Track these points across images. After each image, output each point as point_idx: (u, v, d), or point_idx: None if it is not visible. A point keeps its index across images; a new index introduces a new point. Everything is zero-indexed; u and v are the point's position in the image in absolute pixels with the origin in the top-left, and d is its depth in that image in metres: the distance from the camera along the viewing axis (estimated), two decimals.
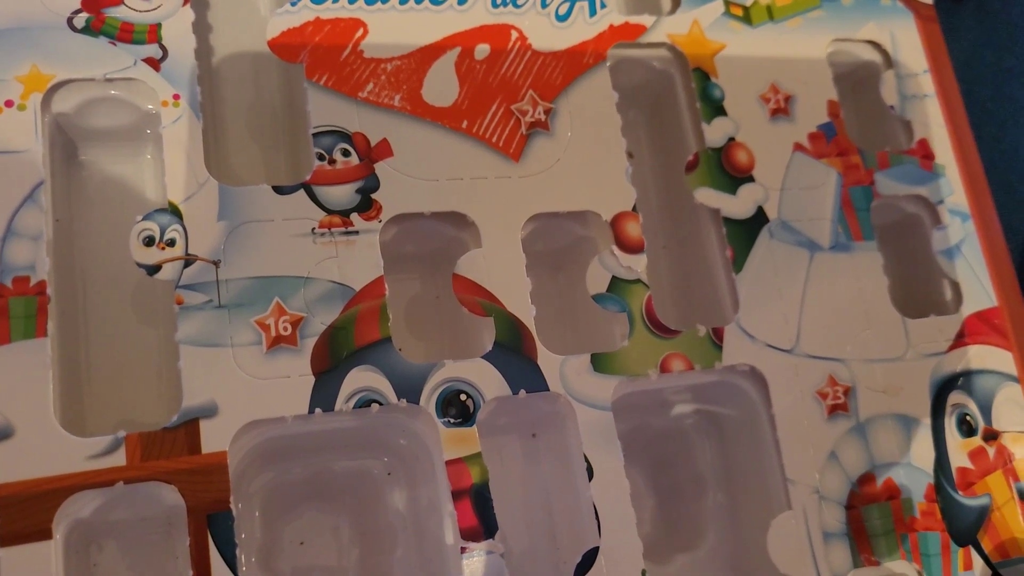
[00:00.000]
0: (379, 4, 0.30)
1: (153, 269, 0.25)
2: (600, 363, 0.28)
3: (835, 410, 0.30)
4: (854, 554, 0.29)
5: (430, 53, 0.30)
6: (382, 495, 0.29)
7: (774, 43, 0.34)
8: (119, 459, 0.24)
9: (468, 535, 0.25)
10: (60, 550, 0.23)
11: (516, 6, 0.31)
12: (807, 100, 0.33)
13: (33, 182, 0.25)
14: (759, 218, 0.32)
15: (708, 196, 0.31)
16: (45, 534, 0.22)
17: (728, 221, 0.31)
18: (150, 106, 0.27)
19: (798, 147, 0.33)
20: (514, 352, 0.28)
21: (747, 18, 0.34)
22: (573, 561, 0.26)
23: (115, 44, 0.27)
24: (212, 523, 0.24)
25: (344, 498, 0.28)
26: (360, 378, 0.26)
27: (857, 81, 0.36)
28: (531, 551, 0.29)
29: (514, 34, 0.31)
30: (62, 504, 0.23)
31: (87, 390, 0.26)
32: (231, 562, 0.24)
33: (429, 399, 0.26)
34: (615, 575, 0.26)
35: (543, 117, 0.30)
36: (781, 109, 0.33)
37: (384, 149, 0.28)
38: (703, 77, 0.33)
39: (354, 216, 0.27)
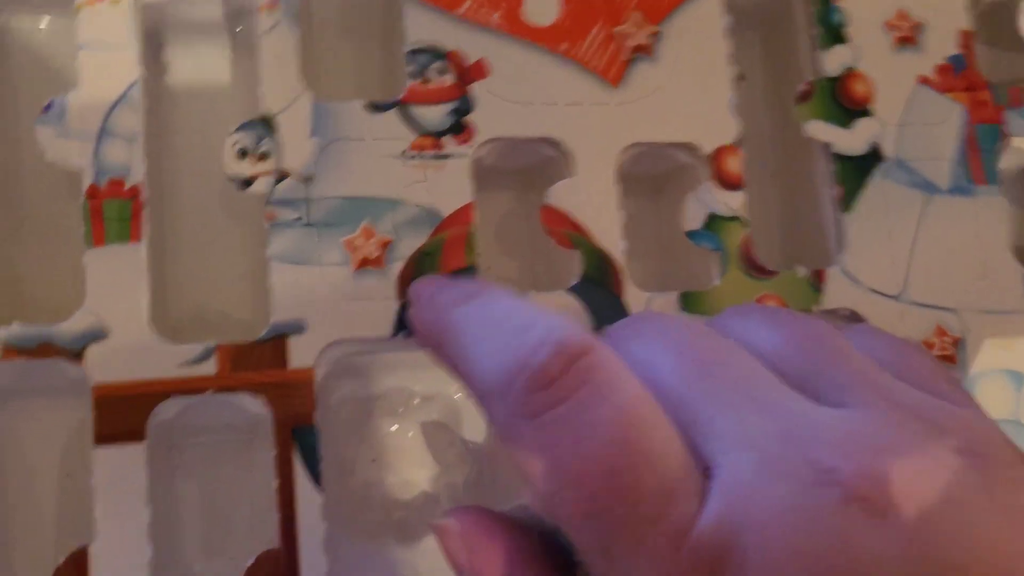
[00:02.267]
0: None
1: (245, 182, 0.25)
2: (689, 302, 0.28)
3: (943, 362, 0.29)
4: None
5: None
6: (456, 419, 0.29)
7: None
8: (209, 368, 0.24)
9: None
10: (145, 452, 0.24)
11: None
12: (937, 29, 0.31)
13: (128, 81, 0.25)
14: (873, 155, 0.30)
15: (819, 129, 0.30)
16: (138, 435, 0.23)
17: (839, 157, 0.29)
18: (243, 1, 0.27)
19: (923, 80, 0.30)
20: (600, 286, 0.27)
21: None
22: None
23: None
24: (297, 436, 0.24)
25: (419, 417, 0.29)
26: None
27: (993, 9, 0.33)
28: None
29: None
30: (155, 408, 0.24)
31: (177, 298, 0.27)
32: (315, 474, 0.24)
33: None
34: None
35: (647, 41, 0.29)
36: (907, 38, 0.31)
37: (479, 69, 0.27)
38: (824, 0, 0.30)
39: (446, 139, 0.27)
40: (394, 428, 0.29)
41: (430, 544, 0.28)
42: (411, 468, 0.29)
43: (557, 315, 0.18)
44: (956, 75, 0.31)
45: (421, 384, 0.29)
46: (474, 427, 0.29)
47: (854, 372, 0.17)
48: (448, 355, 0.19)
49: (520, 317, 0.18)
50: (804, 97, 0.30)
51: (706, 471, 0.16)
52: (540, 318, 0.18)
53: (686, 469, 0.16)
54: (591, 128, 0.28)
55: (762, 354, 0.18)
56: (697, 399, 0.17)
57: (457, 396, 0.29)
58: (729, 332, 0.19)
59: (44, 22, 0.27)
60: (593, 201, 0.27)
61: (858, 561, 0.14)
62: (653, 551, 0.15)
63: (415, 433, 0.29)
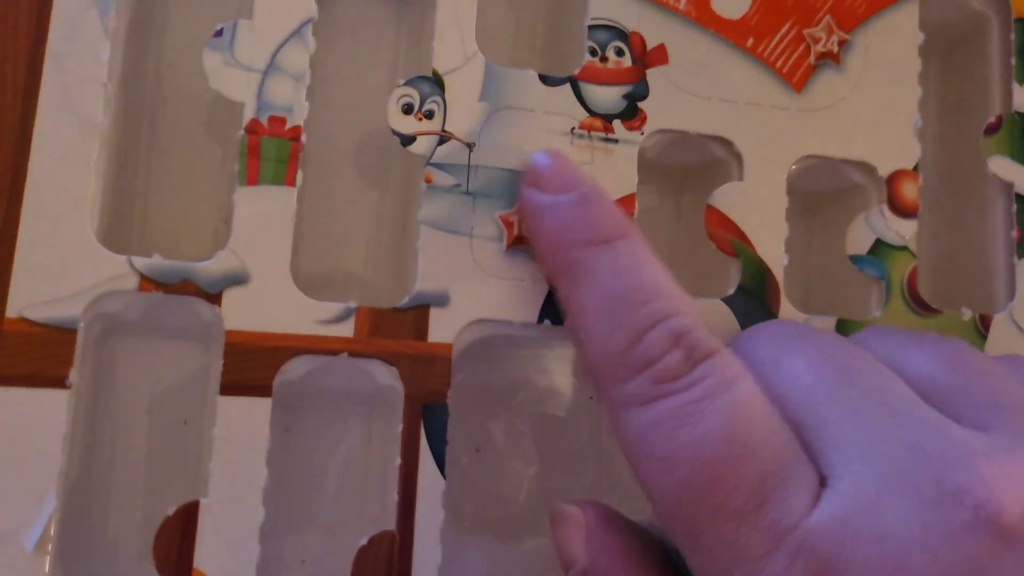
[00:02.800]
0: None
1: (408, 139, 0.24)
2: (846, 330, 0.26)
3: None
4: None
5: None
6: (577, 419, 0.27)
7: None
8: (347, 330, 0.23)
9: None
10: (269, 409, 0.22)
11: None
12: None
13: (303, 17, 0.24)
14: None
15: (1004, 167, 0.28)
16: (264, 390, 0.22)
17: (1021, 199, 0.27)
18: None
19: None
20: (756, 299, 0.25)
21: None
22: None
23: None
24: (426, 414, 0.23)
25: (531, 414, 0.27)
26: None
27: None
28: None
29: None
30: (285, 363, 0.22)
31: (321, 252, 0.26)
32: (439, 457, 0.23)
33: None
34: None
35: (836, 48, 0.27)
36: None
37: (660, 55, 0.26)
38: None
39: (616, 123, 0.25)
40: (506, 419, 0.27)
41: (534, 544, 0.27)
42: (520, 463, 0.27)
43: (683, 296, 0.18)
44: None
45: (545, 377, 0.27)
46: (595, 427, 0.27)
47: (1001, 394, 0.17)
48: (564, 295, 0.19)
49: (650, 285, 0.18)
50: (992, 130, 0.28)
51: (823, 479, 0.15)
52: (668, 294, 0.18)
53: (795, 469, 0.15)
54: (767, 132, 0.26)
55: (903, 370, 0.17)
56: (826, 403, 0.16)
57: (575, 393, 0.27)
58: (868, 347, 0.19)
59: None
60: (760, 209, 0.26)
61: None
62: (744, 547, 0.15)
63: (529, 427, 0.27)
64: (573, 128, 0.25)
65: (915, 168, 0.27)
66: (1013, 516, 0.14)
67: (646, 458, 0.16)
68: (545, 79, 0.25)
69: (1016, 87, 0.28)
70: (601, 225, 0.19)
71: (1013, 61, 0.28)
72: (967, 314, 0.27)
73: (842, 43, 0.27)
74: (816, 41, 0.27)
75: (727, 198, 0.26)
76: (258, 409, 0.22)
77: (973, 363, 0.18)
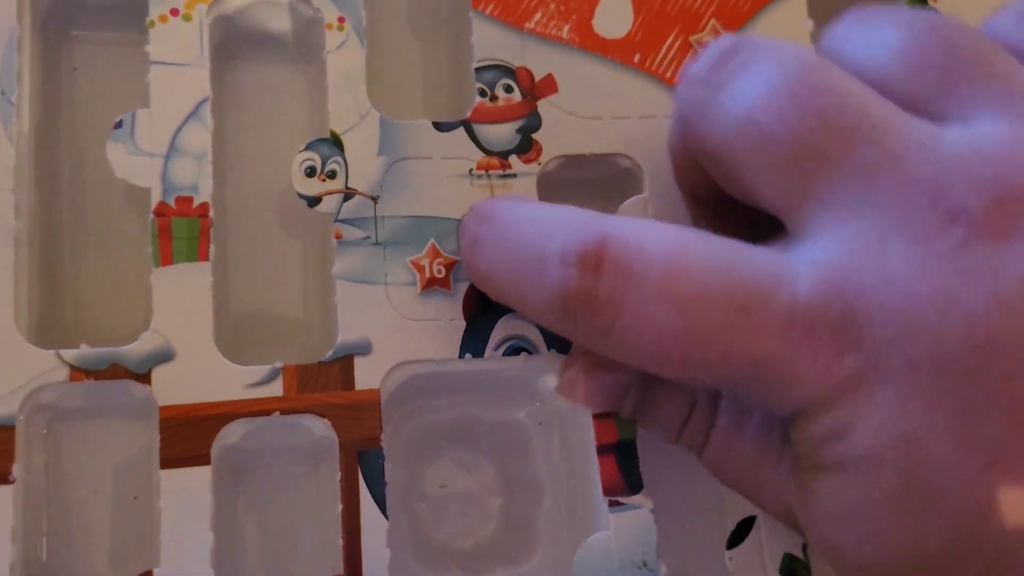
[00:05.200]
0: None
1: (313, 200, 0.25)
2: None
3: None
4: None
5: None
6: (529, 444, 0.28)
7: None
8: (276, 389, 0.24)
9: (609, 490, 0.24)
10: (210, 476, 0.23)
11: None
12: None
13: (198, 98, 0.25)
14: None
15: None
16: (203, 459, 0.23)
17: None
18: (315, 13, 0.26)
19: None
20: None
21: None
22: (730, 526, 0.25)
23: None
24: (363, 459, 0.24)
25: (490, 444, 0.28)
26: (510, 326, 0.25)
27: None
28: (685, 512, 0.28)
29: None
30: (221, 430, 0.23)
31: (243, 318, 0.27)
32: (380, 500, 0.24)
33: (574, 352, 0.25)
34: (773, 544, 0.25)
35: None
36: None
37: (548, 84, 0.27)
38: (920, 5, 0.29)
39: (512, 158, 0.26)
40: (463, 454, 0.28)
41: (503, 574, 0.28)
42: (479, 496, 0.28)
43: (564, 211, 0.18)
44: None
45: (489, 410, 0.28)
46: (544, 453, 0.28)
47: (990, 77, 0.16)
48: (495, 294, 0.19)
49: (533, 232, 0.18)
50: None
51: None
52: (550, 228, 0.19)
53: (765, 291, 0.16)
54: (665, 142, 0.27)
55: (879, 73, 0.17)
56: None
57: (525, 420, 0.28)
58: (844, 51, 0.18)
59: (113, 38, 0.27)
60: (665, 218, 0.26)
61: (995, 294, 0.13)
62: (759, 334, 0.15)
63: (484, 460, 0.28)
64: (471, 170, 0.26)
65: None
66: (1009, 209, 0.14)
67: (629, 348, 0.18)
68: (439, 126, 0.26)
69: None
70: (475, 212, 0.20)
71: None
72: None
73: None
74: (704, 46, 0.28)
75: (632, 211, 0.26)
76: (199, 477, 0.23)
77: (957, 42, 0.17)
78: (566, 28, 0.27)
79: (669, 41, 0.28)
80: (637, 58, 0.27)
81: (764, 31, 0.28)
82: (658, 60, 0.27)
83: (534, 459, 0.28)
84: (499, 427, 0.28)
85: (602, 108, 0.27)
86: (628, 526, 0.25)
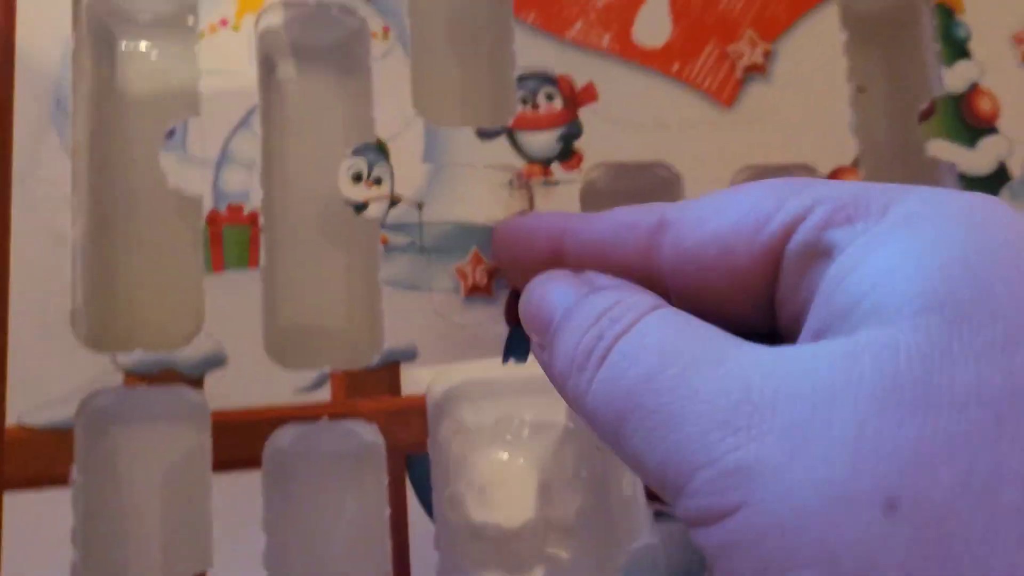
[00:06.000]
0: None
1: (360, 206, 0.25)
2: None
3: None
4: None
5: None
6: (569, 447, 0.28)
7: None
8: (324, 394, 0.24)
9: (654, 498, 0.25)
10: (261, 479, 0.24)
11: None
12: None
13: (248, 106, 0.25)
14: (1000, 175, 0.28)
15: (943, 149, 0.28)
16: (254, 462, 0.24)
17: (964, 178, 0.28)
18: (360, 25, 0.27)
19: None
20: None
21: None
22: None
23: None
24: (410, 464, 0.24)
25: (531, 446, 0.28)
26: None
27: None
28: None
29: None
30: (271, 435, 0.24)
31: (293, 324, 0.27)
32: (427, 503, 0.24)
33: None
34: None
35: (761, 60, 0.28)
36: None
37: (589, 93, 0.27)
38: (947, 14, 0.29)
39: (554, 166, 0.26)
40: (504, 457, 0.29)
41: (541, 573, 0.28)
42: (521, 498, 0.28)
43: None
44: None
45: (532, 411, 0.28)
46: (586, 455, 0.29)
47: None
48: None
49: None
50: (926, 115, 0.29)
51: None
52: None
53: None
54: (704, 150, 0.27)
55: None
56: None
57: (569, 425, 0.28)
58: None
59: (165, 48, 0.27)
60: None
61: None
62: None
63: (525, 462, 0.29)
64: (511, 180, 0.26)
65: (854, 163, 0.28)
66: None
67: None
68: (482, 133, 0.26)
69: (945, 70, 0.29)
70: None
71: (938, 46, 0.29)
72: None
73: (767, 54, 0.28)
74: (740, 56, 0.28)
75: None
76: (250, 480, 0.23)
77: None
78: (606, 37, 0.27)
79: (707, 50, 0.28)
80: (676, 67, 0.28)
81: (799, 41, 0.28)
82: (696, 69, 0.28)
83: (574, 461, 0.28)
84: (540, 429, 0.29)
85: (642, 116, 0.27)
86: (676, 538, 0.25)
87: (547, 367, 0.18)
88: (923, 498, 0.12)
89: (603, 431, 0.16)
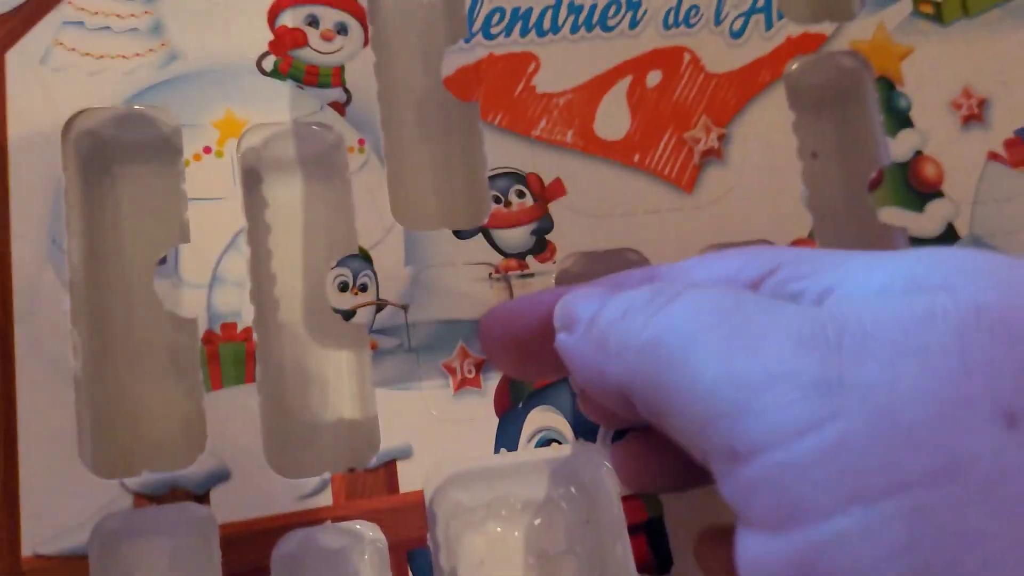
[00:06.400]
0: (551, 35, 0.30)
1: (348, 314, 0.27)
2: None
3: None
4: None
5: (602, 84, 0.30)
6: (557, 519, 0.30)
7: (969, 41, 0.32)
8: (326, 499, 0.25)
9: (642, 568, 0.26)
10: None
11: (689, 25, 0.30)
12: (1004, 102, 0.31)
13: (234, 229, 0.27)
14: (949, 236, 0.30)
15: (893, 215, 0.30)
16: (263, 571, 0.25)
17: (915, 240, 0.30)
18: (336, 139, 0.28)
19: (992, 156, 0.31)
20: None
21: (938, 16, 0.32)
22: None
23: (302, 88, 0.28)
24: (411, 559, 0.25)
25: (524, 522, 0.30)
26: (540, 418, 0.27)
27: None
28: None
29: (687, 56, 0.30)
30: (277, 542, 0.25)
31: (289, 432, 0.28)
32: None
33: (605, 437, 0.27)
34: None
35: (716, 144, 0.30)
36: (974, 115, 0.31)
37: (557, 188, 0.29)
38: (888, 86, 0.31)
39: (529, 258, 0.28)
40: (499, 530, 0.30)
41: None
42: (518, 569, 0.29)
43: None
44: None
45: (525, 491, 0.30)
46: (575, 524, 0.30)
47: None
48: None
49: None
50: (875, 185, 0.30)
51: None
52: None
53: None
54: (669, 234, 0.29)
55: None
56: None
57: (562, 504, 0.30)
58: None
59: (153, 178, 0.29)
60: None
61: None
62: None
63: (520, 535, 0.30)
64: (490, 274, 0.27)
65: (810, 235, 0.29)
66: None
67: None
68: (459, 234, 0.28)
69: (889, 140, 0.31)
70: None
71: (881, 118, 0.31)
72: None
73: (721, 138, 0.30)
74: (697, 142, 0.30)
75: None
76: None
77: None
78: (570, 133, 0.29)
79: (665, 139, 0.30)
80: (637, 158, 0.29)
81: (750, 123, 0.30)
82: (656, 158, 0.29)
83: (567, 535, 0.30)
84: (533, 506, 0.30)
85: (609, 207, 0.29)
86: None
87: (573, 345, 0.18)
88: None
89: (652, 364, 0.15)
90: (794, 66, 0.30)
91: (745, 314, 0.14)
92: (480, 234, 0.28)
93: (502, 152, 0.28)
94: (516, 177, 0.28)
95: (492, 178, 0.28)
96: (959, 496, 0.11)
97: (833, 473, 0.12)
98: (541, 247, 0.28)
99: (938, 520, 0.11)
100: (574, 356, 0.18)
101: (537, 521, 0.30)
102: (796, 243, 0.29)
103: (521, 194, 0.28)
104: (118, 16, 0.28)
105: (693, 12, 0.30)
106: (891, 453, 0.12)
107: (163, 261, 0.26)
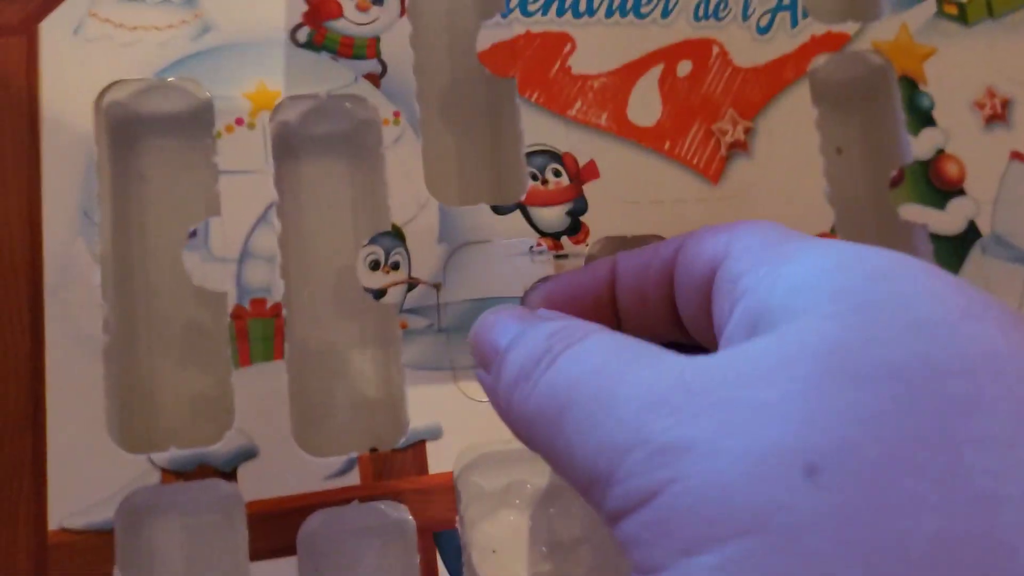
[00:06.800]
0: (587, 18, 0.29)
1: (379, 293, 0.26)
2: None
3: None
4: None
5: (635, 70, 0.30)
6: (574, 508, 0.30)
7: (992, 42, 0.32)
8: (353, 478, 0.25)
9: None
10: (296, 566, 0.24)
11: (718, 19, 0.30)
12: None
13: (266, 203, 0.26)
14: (970, 233, 0.31)
15: (914, 212, 0.30)
16: (290, 550, 0.24)
17: (936, 238, 0.30)
18: (370, 112, 0.27)
19: (1015, 155, 0.31)
20: None
21: (963, 17, 0.32)
22: None
23: (336, 59, 0.27)
24: (439, 540, 0.25)
25: (539, 509, 0.29)
26: None
27: None
28: None
29: (715, 49, 0.30)
30: (304, 521, 0.24)
31: (318, 411, 0.28)
32: None
33: None
34: None
35: (743, 137, 0.30)
36: (997, 115, 0.31)
37: (591, 170, 0.28)
38: (910, 85, 0.31)
39: (564, 239, 0.28)
40: (512, 518, 0.30)
41: None
42: (530, 555, 0.29)
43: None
44: None
45: (535, 474, 0.30)
46: (590, 512, 0.30)
47: None
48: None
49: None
50: (896, 183, 0.31)
51: None
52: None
53: None
54: (695, 224, 0.29)
55: None
56: None
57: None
58: None
59: (185, 150, 0.28)
60: None
61: None
62: None
63: (531, 521, 0.30)
64: (531, 247, 0.27)
65: (832, 230, 0.30)
66: None
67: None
68: (497, 209, 0.27)
69: (912, 139, 0.31)
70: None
71: (903, 116, 0.31)
72: None
73: (747, 131, 0.30)
74: (724, 133, 0.30)
75: None
76: (287, 568, 0.24)
77: None
78: (604, 116, 0.29)
79: (694, 129, 0.30)
80: (667, 145, 0.29)
81: (775, 118, 0.30)
82: (685, 147, 0.29)
83: (583, 522, 0.30)
84: (549, 492, 0.30)
85: (639, 193, 0.29)
86: None
87: (491, 389, 0.19)
88: (845, 464, 0.12)
89: (543, 432, 0.16)
90: (821, 61, 0.31)
91: (617, 375, 0.15)
92: (518, 210, 0.28)
93: (539, 130, 0.28)
94: (552, 156, 0.28)
95: (529, 155, 0.28)
96: (763, 549, 0.12)
97: (668, 533, 0.13)
98: (575, 228, 0.28)
99: (744, 573, 0.12)
100: (491, 400, 0.19)
101: (554, 508, 0.30)
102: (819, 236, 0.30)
103: (557, 173, 0.28)
104: None
105: (722, 6, 0.30)
106: (710, 511, 0.13)
107: (193, 234, 0.25)
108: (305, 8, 0.28)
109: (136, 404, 0.26)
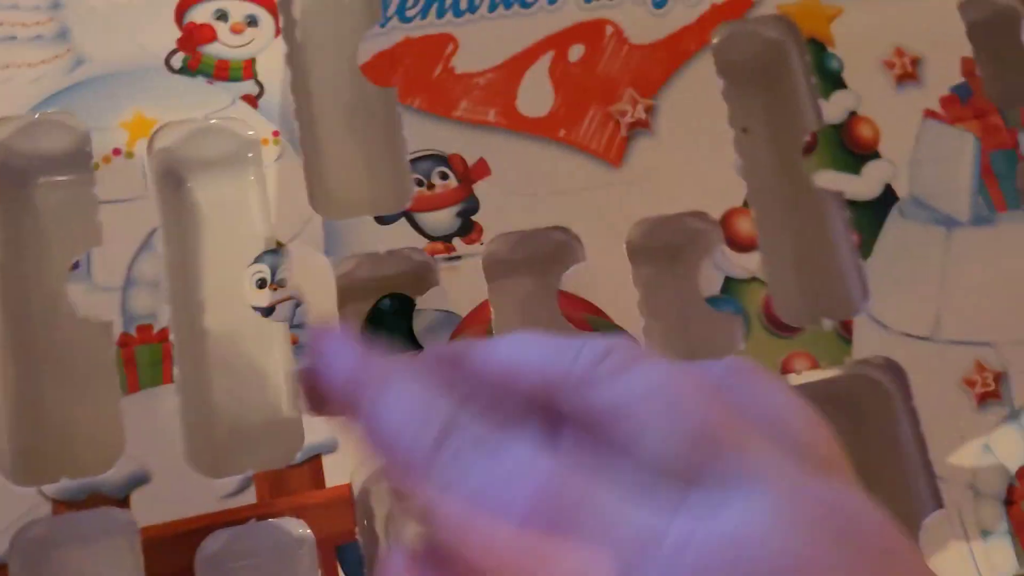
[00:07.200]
0: (468, 15, 0.29)
1: (268, 311, 0.26)
2: None
3: (985, 398, 0.28)
4: (1018, 554, 0.27)
5: (523, 61, 0.29)
6: None
7: (897, 1, 0.31)
8: (250, 497, 0.25)
9: None
10: None
11: None
12: (937, 60, 0.30)
13: (147, 229, 0.26)
14: (887, 197, 0.29)
15: (829, 179, 0.29)
16: (187, 572, 0.24)
17: (853, 204, 0.29)
18: (250, 132, 0.27)
19: (929, 114, 0.30)
20: None
21: None
22: None
23: (212, 83, 0.27)
24: (340, 554, 0.25)
25: None
26: None
27: (993, 30, 0.32)
28: None
29: (609, 29, 0.30)
30: (201, 543, 0.24)
31: (211, 431, 0.28)
32: None
33: None
34: None
35: (644, 116, 0.29)
36: (908, 74, 0.30)
37: (482, 168, 0.28)
38: (819, 48, 0.30)
39: (456, 241, 0.27)
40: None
41: None
42: None
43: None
44: (963, 104, 0.30)
45: None
46: None
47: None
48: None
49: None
50: (809, 149, 0.30)
51: None
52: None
53: None
54: (599, 211, 0.28)
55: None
56: None
57: None
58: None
59: (66, 183, 0.28)
60: (608, 282, 0.28)
61: None
62: None
63: None
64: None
65: (744, 203, 0.29)
66: None
67: None
68: (381, 219, 0.27)
69: (823, 102, 0.30)
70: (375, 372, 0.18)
71: (813, 80, 0.30)
72: (828, 324, 0.28)
73: (648, 109, 0.29)
74: (623, 115, 0.29)
75: (575, 280, 0.28)
76: None
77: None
78: (492, 112, 0.28)
79: (590, 114, 0.29)
80: (562, 133, 0.29)
81: (678, 93, 0.29)
82: (582, 132, 0.29)
83: None
84: None
85: (536, 185, 0.28)
86: None
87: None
88: None
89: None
90: (715, 40, 0.30)
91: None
92: (403, 219, 0.27)
93: (422, 135, 0.28)
94: (438, 159, 0.28)
95: (413, 161, 0.28)
96: None
97: None
98: (467, 229, 0.27)
99: None
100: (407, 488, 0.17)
101: None
102: (731, 213, 0.29)
103: (444, 176, 0.28)
104: (23, 25, 0.27)
105: None
106: None
107: (76, 266, 0.25)
108: (179, 34, 0.28)
109: (25, 436, 0.26)
